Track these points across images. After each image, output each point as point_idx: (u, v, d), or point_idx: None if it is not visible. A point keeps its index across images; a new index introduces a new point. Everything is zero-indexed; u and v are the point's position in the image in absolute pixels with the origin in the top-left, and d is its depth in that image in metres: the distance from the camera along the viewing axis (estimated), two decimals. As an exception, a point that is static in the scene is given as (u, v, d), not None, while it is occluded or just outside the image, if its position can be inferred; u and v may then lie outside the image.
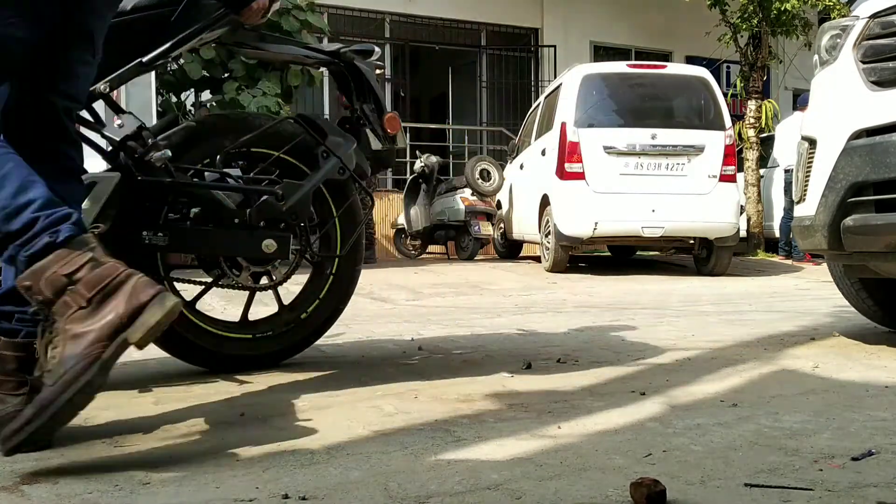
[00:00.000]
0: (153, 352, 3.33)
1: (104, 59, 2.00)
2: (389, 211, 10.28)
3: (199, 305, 2.72)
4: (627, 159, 6.88)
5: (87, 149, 2.14)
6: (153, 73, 5.75)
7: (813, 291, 5.61)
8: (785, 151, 9.11)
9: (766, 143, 10.19)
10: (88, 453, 1.80)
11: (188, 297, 2.64)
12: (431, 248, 9.83)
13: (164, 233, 2.38)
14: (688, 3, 10.18)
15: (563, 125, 7.02)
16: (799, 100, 9.44)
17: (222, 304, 4.99)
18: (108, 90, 2.27)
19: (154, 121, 5.73)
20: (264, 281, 2.69)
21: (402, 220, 9.44)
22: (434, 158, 9.36)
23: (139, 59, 2.32)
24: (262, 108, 6.92)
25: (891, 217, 2.64)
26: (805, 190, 3.02)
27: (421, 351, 3.17)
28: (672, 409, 2.10)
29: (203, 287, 2.68)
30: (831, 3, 9.67)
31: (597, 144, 6.88)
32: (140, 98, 5.67)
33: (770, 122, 11.02)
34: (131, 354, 3.25)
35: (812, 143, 3.01)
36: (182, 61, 7.23)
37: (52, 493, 1.52)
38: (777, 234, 9.36)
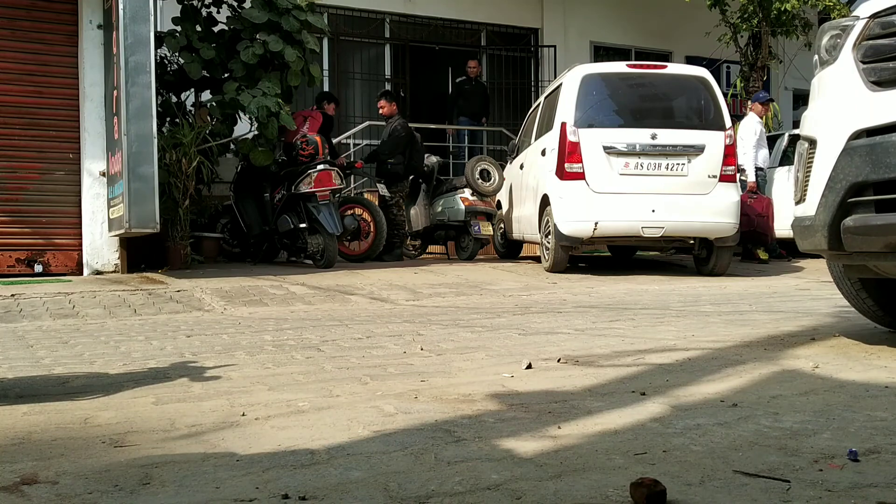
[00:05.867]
0: (152, 353, 3.33)
1: None
2: (390, 211, 10.27)
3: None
4: (627, 159, 6.87)
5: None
6: (153, 73, 5.74)
7: (813, 291, 5.61)
8: (741, 149, 9.05)
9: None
10: (88, 453, 1.80)
11: None
12: (431, 248, 9.80)
13: None
14: (688, 3, 10.17)
15: (563, 125, 7.01)
16: (754, 97, 9.42)
17: (222, 305, 4.99)
18: None
19: (154, 120, 5.72)
20: None
21: (402, 220, 9.44)
22: (434, 158, 9.35)
23: None
24: (262, 109, 6.90)
25: (891, 217, 2.64)
26: (805, 190, 3.02)
27: (421, 351, 3.17)
28: (672, 409, 2.10)
29: None
30: (831, 3, 9.66)
31: (597, 144, 6.87)
32: (140, 98, 5.65)
33: (770, 121, 11.01)
34: (131, 355, 3.27)
35: (812, 143, 3.00)
36: (182, 61, 7.21)
37: (52, 493, 1.52)
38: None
